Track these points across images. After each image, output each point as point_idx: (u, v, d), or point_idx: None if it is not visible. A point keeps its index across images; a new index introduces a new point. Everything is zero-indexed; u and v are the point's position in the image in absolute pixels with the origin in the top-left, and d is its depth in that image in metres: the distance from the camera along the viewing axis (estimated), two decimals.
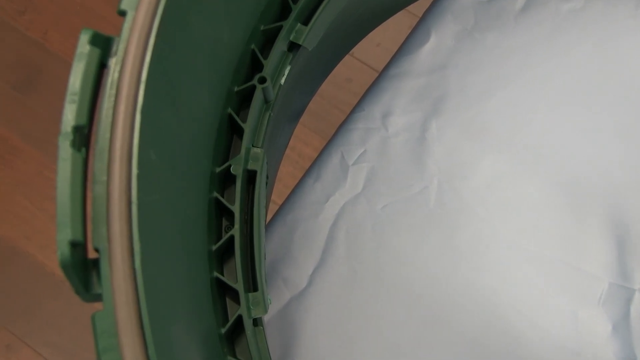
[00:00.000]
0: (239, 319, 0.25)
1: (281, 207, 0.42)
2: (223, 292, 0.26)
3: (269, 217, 0.40)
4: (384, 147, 0.41)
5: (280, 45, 0.31)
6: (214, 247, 0.26)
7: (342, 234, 0.39)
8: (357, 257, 0.38)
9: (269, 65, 0.30)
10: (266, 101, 0.30)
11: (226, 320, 0.25)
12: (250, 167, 0.28)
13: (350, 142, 0.42)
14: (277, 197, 0.73)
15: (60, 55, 0.80)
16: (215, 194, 0.27)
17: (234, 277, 0.27)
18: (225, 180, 0.28)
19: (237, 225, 0.27)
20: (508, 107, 0.42)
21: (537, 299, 0.36)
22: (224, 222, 0.28)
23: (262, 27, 0.30)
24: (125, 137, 0.17)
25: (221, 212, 0.28)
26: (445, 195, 0.39)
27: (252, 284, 0.27)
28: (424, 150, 0.41)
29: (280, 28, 0.31)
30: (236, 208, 0.27)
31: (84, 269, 0.17)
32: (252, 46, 0.29)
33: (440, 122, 0.42)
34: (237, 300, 0.26)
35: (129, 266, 0.17)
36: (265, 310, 0.26)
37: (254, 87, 0.29)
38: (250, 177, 0.29)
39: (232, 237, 0.27)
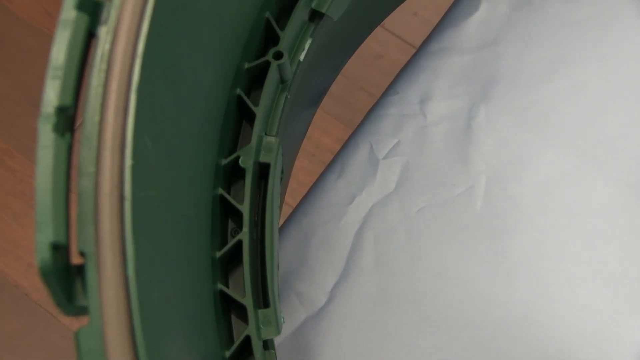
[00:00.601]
0: (247, 340, 0.25)
1: (296, 209, 0.42)
2: (228, 307, 0.26)
3: (281, 221, 0.40)
4: (422, 137, 0.41)
5: (300, 14, 0.30)
6: (218, 254, 0.26)
7: (369, 242, 0.38)
8: (387, 271, 0.37)
9: (286, 37, 0.30)
10: (282, 81, 0.30)
11: (231, 341, 0.26)
12: (262, 159, 0.28)
13: (380, 132, 0.42)
14: (290, 197, 0.73)
15: (26, 20, 0.79)
16: (221, 191, 0.27)
17: (241, 290, 0.27)
18: (233, 174, 0.28)
19: (245, 229, 0.27)
20: (576, 93, 0.41)
21: (613, 329, 0.35)
22: (230, 225, 0.28)
23: None
24: (118, 121, 0.18)
25: (227, 213, 0.28)
26: (495, 197, 0.39)
27: (263, 299, 0.27)
28: (470, 143, 0.40)
29: None
30: (245, 208, 0.27)
31: (66, 277, 0.17)
32: (267, 14, 0.29)
33: (490, 109, 0.41)
34: (244, 318, 0.26)
35: (120, 274, 0.17)
36: (278, 331, 0.26)
37: (268, 64, 0.29)
38: (262, 171, 0.29)
39: (239, 243, 0.27)
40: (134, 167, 0.17)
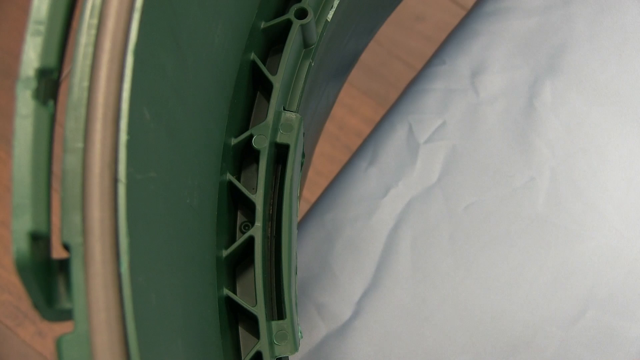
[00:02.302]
0: (257, 357, 0.25)
1: (317, 204, 0.42)
2: (235, 317, 0.27)
3: (298, 217, 0.41)
4: (473, 118, 0.41)
5: None
6: (225, 253, 0.26)
7: (406, 244, 0.39)
8: (426, 279, 0.38)
9: None
10: (306, 45, 0.30)
11: (239, 357, 0.26)
12: (280, 139, 0.28)
13: (422, 110, 0.42)
14: (307, 191, 0.73)
15: None
16: (229, 177, 0.27)
17: (252, 297, 0.27)
18: (244, 157, 0.28)
19: (258, 223, 0.27)
20: None
21: None
22: (240, 218, 0.28)
23: None
24: (111, 88, 0.18)
25: (236, 203, 0.28)
26: (563, 193, 0.39)
27: (277, 309, 0.27)
28: (532, 125, 0.40)
29: None
30: (258, 197, 0.27)
31: (47, 273, 0.17)
32: None
33: (558, 84, 0.41)
34: (254, 331, 0.26)
35: (111, 271, 0.17)
36: (295, 348, 0.26)
37: (289, 24, 0.29)
38: (280, 154, 0.29)
39: (250, 240, 0.27)
40: (130, 144, 0.18)
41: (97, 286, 0.17)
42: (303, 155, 0.31)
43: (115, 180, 0.17)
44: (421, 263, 0.38)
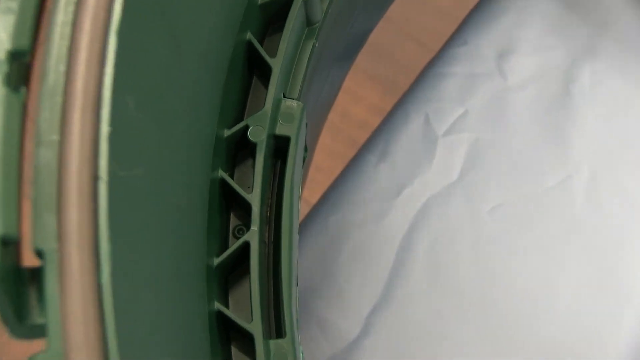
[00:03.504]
0: None
1: (318, 205, 0.43)
2: (227, 335, 0.27)
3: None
4: (499, 106, 0.41)
5: None
6: (217, 262, 0.27)
7: (422, 252, 0.39)
8: (446, 292, 0.38)
9: None
10: (309, 23, 0.30)
11: None
12: (279, 130, 0.29)
13: (441, 97, 0.42)
14: (306, 190, 0.73)
15: None
16: (221, 173, 0.28)
17: (247, 312, 0.27)
18: (238, 151, 0.29)
19: (254, 227, 0.27)
20: None
21: None
22: (234, 221, 0.28)
23: None
24: (92, 73, 0.18)
25: (229, 204, 0.28)
26: (604, 193, 0.39)
27: (276, 327, 0.28)
28: (569, 116, 0.41)
29: None
30: (254, 198, 0.28)
31: (16, 283, 0.18)
32: None
33: (598, 68, 0.41)
34: (250, 351, 0.26)
35: (91, 281, 0.17)
36: None
37: None
38: (279, 148, 0.29)
39: (245, 246, 0.27)
40: (113, 136, 0.18)
41: (74, 298, 0.17)
42: (305, 149, 0.31)
43: (95, 178, 0.18)
44: (440, 273, 0.38)
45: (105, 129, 0.18)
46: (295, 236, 0.29)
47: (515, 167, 0.40)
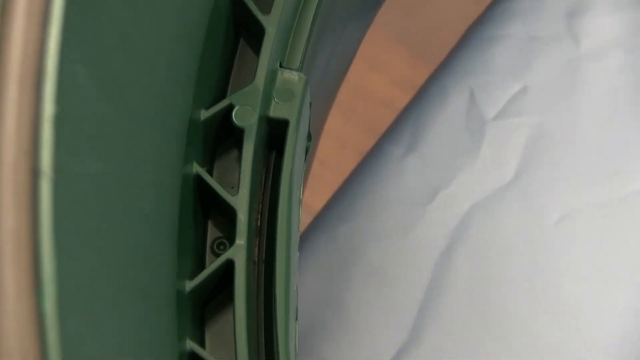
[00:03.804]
0: None
1: (325, 211, 0.43)
2: None
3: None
4: (570, 81, 0.42)
5: None
6: (190, 286, 0.27)
7: (463, 275, 0.39)
8: (495, 329, 0.38)
9: None
10: None
11: None
12: (274, 112, 0.29)
13: (490, 68, 0.42)
14: (308, 191, 0.72)
15: None
16: (196, 169, 0.28)
17: (229, 352, 0.27)
18: (220, 139, 0.29)
19: (240, 240, 0.28)
20: None
21: None
22: (212, 233, 0.29)
23: None
24: (31, 34, 0.18)
25: (207, 210, 0.29)
26: None
27: None
28: None
29: None
30: (241, 201, 0.28)
31: None
32: None
33: None
34: None
35: (30, 310, 0.18)
36: None
37: None
38: (274, 136, 0.30)
39: (228, 265, 0.27)
40: (59, 119, 0.18)
41: (7, 331, 0.18)
42: (309, 138, 0.31)
43: (35, 173, 0.18)
44: (487, 305, 0.39)
45: (49, 108, 0.19)
46: (295, 254, 0.29)
47: (590, 163, 0.40)
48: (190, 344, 0.27)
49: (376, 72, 0.73)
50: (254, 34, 0.30)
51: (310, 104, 0.31)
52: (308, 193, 0.67)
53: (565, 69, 0.42)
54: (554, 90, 0.42)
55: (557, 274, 0.39)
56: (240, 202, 0.28)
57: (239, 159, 0.28)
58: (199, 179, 0.28)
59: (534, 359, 0.37)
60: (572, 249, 0.39)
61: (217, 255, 0.28)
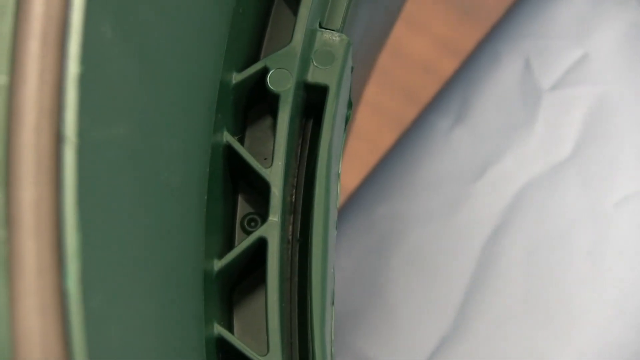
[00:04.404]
0: None
1: (361, 190, 0.43)
2: None
3: None
4: (636, 48, 0.41)
5: None
6: (218, 266, 0.27)
7: (516, 260, 0.39)
8: (552, 321, 0.38)
9: None
10: None
11: None
12: (313, 77, 0.29)
13: (547, 32, 0.42)
14: (342, 168, 0.71)
15: None
16: (227, 137, 0.28)
17: (259, 339, 0.28)
18: (252, 105, 0.29)
19: (274, 217, 0.28)
20: None
21: None
22: (243, 208, 0.29)
23: None
24: None
25: (237, 183, 0.29)
26: None
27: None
28: None
29: None
30: (274, 175, 0.28)
31: None
32: None
33: None
34: None
35: (52, 286, 0.18)
36: None
37: None
38: (312, 104, 0.30)
39: (260, 244, 0.28)
40: (84, 80, 0.19)
41: (28, 311, 0.18)
42: (349, 105, 0.31)
43: (59, 139, 0.19)
44: (540, 294, 0.39)
45: (73, 67, 0.19)
46: (332, 233, 0.29)
47: None
48: (219, 329, 0.27)
49: (416, 32, 0.72)
50: None
51: (352, 68, 0.31)
52: (342, 170, 0.67)
53: (630, 34, 0.42)
54: (618, 58, 0.41)
55: (618, 260, 0.38)
56: (274, 175, 0.28)
57: (273, 128, 0.28)
58: (229, 149, 0.28)
59: (600, 356, 0.37)
60: (634, 232, 0.39)
61: (248, 233, 0.28)
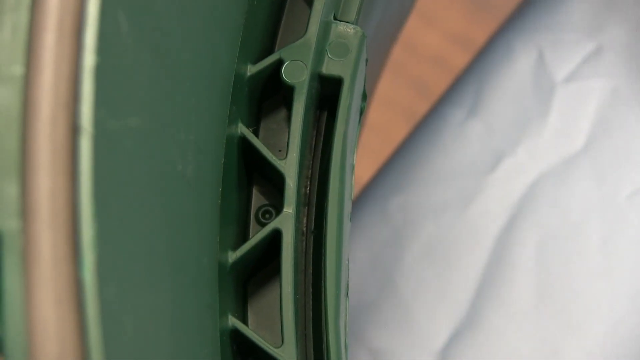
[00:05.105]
0: None
1: (375, 182, 0.43)
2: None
3: None
4: None
5: None
6: (232, 257, 0.27)
7: (528, 253, 0.39)
8: (562, 314, 0.38)
9: None
10: None
11: None
12: (328, 69, 0.29)
13: (561, 25, 0.42)
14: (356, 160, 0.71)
15: None
16: (241, 129, 0.28)
17: (274, 331, 0.28)
18: (267, 97, 0.29)
19: (289, 209, 0.28)
20: None
21: None
22: (257, 200, 0.29)
23: None
24: None
25: (251, 175, 0.29)
26: None
27: (315, 354, 0.28)
28: None
29: None
30: (289, 166, 0.28)
31: None
32: None
33: None
34: None
35: (68, 276, 0.18)
36: None
37: None
38: (327, 96, 0.30)
39: (274, 236, 0.28)
40: (101, 70, 0.19)
41: (43, 301, 0.18)
42: (364, 97, 0.31)
43: (75, 129, 0.18)
44: (553, 286, 0.38)
45: (90, 58, 0.19)
46: (347, 224, 0.29)
47: None
48: (233, 321, 0.27)
49: (429, 26, 0.72)
50: None
51: (367, 60, 0.31)
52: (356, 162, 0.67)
53: None
54: (632, 51, 0.41)
55: (632, 252, 0.38)
56: (289, 166, 0.28)
57: (288, 119, 0.28)
58: (244, 140, 0.28)
59: (613, 349, 0.37)
60: None
61: (263, 225, 0.28)
